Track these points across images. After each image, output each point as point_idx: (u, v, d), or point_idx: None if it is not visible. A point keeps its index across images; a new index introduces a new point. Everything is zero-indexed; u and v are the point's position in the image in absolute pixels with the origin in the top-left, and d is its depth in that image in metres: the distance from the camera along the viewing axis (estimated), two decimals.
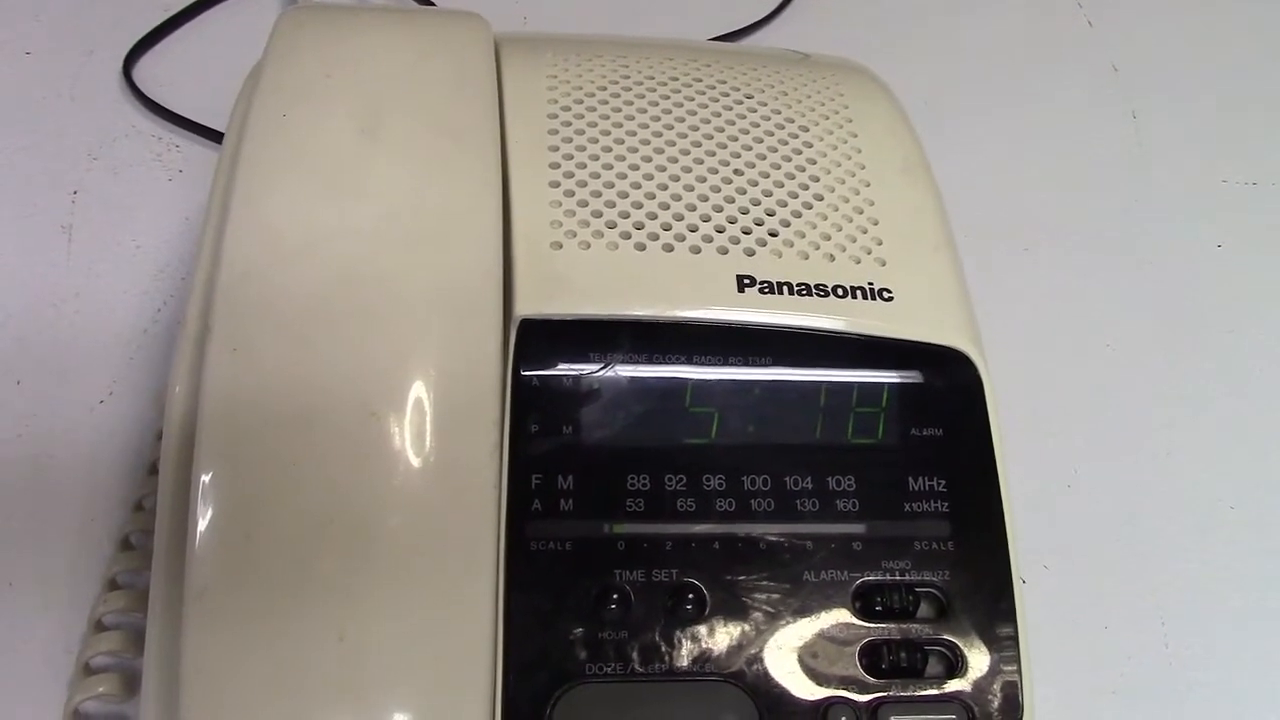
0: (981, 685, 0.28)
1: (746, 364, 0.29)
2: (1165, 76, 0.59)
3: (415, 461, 0.26)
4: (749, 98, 0.35)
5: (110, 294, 0.44)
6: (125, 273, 0.44)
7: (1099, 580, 0.39)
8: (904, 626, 0.28)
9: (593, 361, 0.29)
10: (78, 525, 0.37)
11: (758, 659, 0.27)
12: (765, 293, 0.30)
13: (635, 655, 0.27)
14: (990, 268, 0.48)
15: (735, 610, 0.27)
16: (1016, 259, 0.49)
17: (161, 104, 0.50)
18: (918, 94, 0.42)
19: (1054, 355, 0.46)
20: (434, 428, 0.27)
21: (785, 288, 0.30)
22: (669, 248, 0.30)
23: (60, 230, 0.45)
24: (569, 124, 0.33)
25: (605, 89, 0.34)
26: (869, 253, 0.31)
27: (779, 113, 0.34)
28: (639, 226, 0.30)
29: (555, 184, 0.31)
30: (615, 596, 0.27)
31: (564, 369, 0.29)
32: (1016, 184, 0.52)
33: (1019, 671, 0.28)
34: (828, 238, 0.31)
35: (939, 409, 0.30)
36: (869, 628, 0.28)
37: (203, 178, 0.39)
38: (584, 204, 0.31)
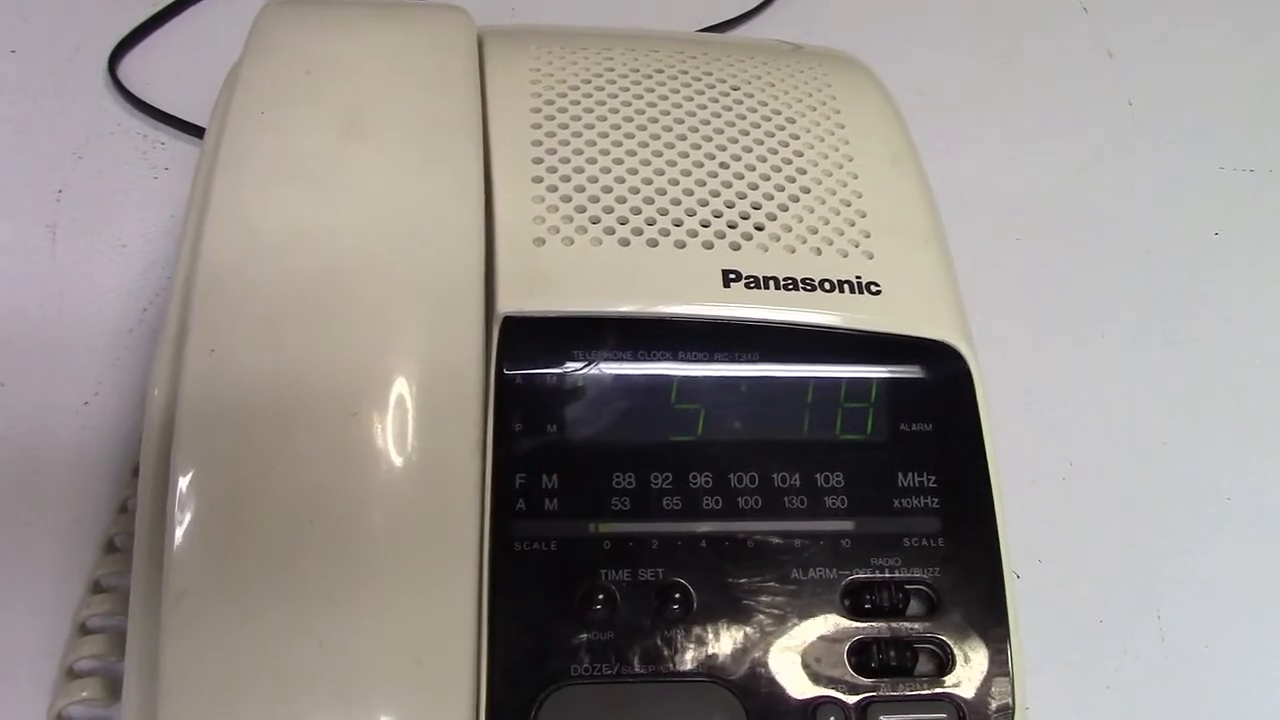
0: (972, 683, 0.27)
1: (733, 360, 0.29)
2: (1161, 63, 0.58)
3: (396, 462, 0.26)
4: (735, 90, 0.34)
5: (95, 293, 0.43)
6: (110, 272, 0.44)
7: (1094, 574, 0.39)
8: (894, 624, 0.28)
9: (577, 359, 0.28)
10: (63, 528, 0.37)
11: (745, 659, 0.27)
12: (751, 287, 0.29)
13: (621, 656, 0.26)
14: (984, 257, 0.48)
15: (723, 609, 0.27)
16: (1010, 248, 0.49)
17: (147, 101, 0.50)
18: (911, 84, 0.42)
19: (1049, 345, 0.46)
20: (415, 427, 0.26)
21: (772, 282, 0.30)
22: (654, 243, 0.30)
23: (45, 229, 0.45)
24: (552, 118, 0.32)
25: (589, 82, 0.34)
26: (857, 246, 0.31)
27: (766, 104, 0.34)
28: (623, 221, 0.30)
29: (538, 179, 0.31)
30: (601, 597, 0.27)
31: (547, 367, 0.28)
32: (1010, 172, 0.52)
33: (1010, 669, 0.27)
34: (815, 231, 0.31)
35: (928, 404, 0.30)
36: (858, 626, 0.27)
37: (189, 175, 0.39)
38: (567, 199, 0.30)
